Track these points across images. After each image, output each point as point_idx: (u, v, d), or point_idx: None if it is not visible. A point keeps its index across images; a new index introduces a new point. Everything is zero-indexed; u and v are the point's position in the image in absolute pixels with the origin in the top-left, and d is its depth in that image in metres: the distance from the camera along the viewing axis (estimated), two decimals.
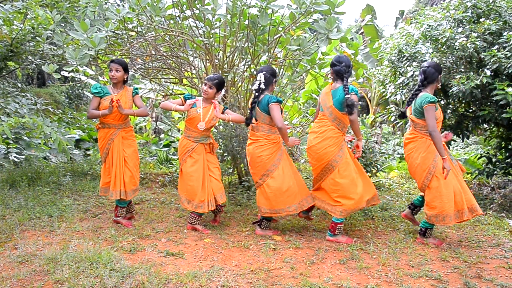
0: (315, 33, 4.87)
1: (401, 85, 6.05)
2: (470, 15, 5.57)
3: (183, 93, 6.65)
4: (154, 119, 12.35)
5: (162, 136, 11.76)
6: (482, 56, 5.24)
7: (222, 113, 4.31)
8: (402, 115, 4.41)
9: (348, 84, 4.04)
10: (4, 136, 4.83)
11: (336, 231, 4.18)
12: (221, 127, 5.80)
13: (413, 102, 4.16)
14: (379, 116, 7.74)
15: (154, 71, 6.17)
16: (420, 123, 4.09)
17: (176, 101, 4.40)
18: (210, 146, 4.46)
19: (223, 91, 4.48)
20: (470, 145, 12.19)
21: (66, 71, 5.26)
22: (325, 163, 4.13)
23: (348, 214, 4.20)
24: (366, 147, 5.19)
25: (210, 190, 4.36)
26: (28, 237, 4.00)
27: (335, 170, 4.10)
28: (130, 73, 6.92)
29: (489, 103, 5.44)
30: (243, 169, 5.88)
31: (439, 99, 6.02)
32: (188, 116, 4.35)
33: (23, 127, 5.12)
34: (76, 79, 8.34)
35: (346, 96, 3.96)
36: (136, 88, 4.56)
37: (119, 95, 4.39)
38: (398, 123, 6.71)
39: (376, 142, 10.05)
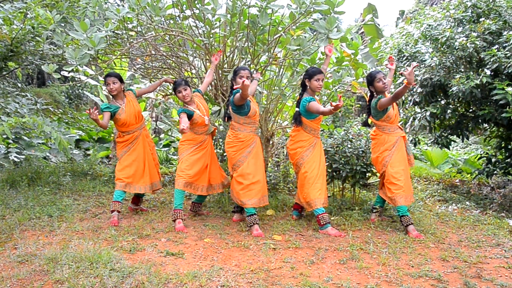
0: (315, 33, 4.87)
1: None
2: (470, 15, 5.57)
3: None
4: (154, 119, 12.34)
5: (162, 136, 11.76)
6: (482, 56, 5.25)
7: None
8: (365, 124, 5.03)
9: (304, 96, 4.51)
10: (4, 136, 4.83)
11: (321, 221, 4.47)
12: (221, 127, 5.80)
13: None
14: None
15: (154, 71, 6.17)
16: (378, 123, 4.64)
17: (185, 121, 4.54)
18: (212, 134, 4.88)
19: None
20: (470, 145, 12.19)
21: (66, 71, 5.26)
22: (295, 161, 4.66)
23: (323, 202, 4.53)
24: (366, 146, 5.21)
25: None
26: (28, 237, 4.00)
27: (302, 167, 4.59)
28: (130, 73, 6.92)
29: (489, 103, 5.44)
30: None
31: (439, 99, 6.02)
32: (199, 123, 4.62)
33: (23, 127, 5.13)
34: (76, 79, 8.34)
35: (296, 109, 4.62)
36: (133, 89, 4.94)
37: (127, 102, 4.72)
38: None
39: None
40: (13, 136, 7.15)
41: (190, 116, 4.53)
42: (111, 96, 4.80)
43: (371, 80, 4.58)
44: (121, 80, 4.72)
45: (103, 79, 4.70)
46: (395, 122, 4.64)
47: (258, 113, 4.57)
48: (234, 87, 4.31)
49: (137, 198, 5.05)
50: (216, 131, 5.71)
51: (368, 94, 4.80)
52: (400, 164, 4.56)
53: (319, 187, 4.55)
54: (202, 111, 4.63)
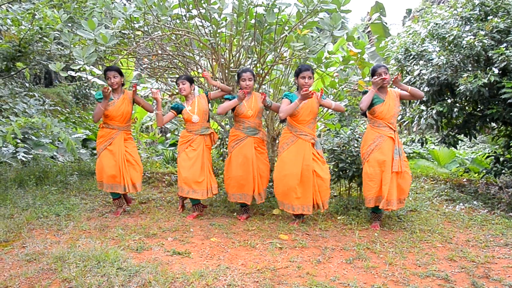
0: (321, 32, 4.86)
1: (407, 84, 6.02)
2: (478, 13, 5.52)
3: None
4: None
5: (168, 135, 11.79)
6: (489, 54, 5.20)
7: (210, 98, 4.93)
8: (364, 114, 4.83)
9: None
10: (12, 136, 4.89)
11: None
12: (228, 126, 5.80)
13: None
14: None
15: (161, 70, 6.19)
16: (368, 114, 4.64)
17: (168, 115, 4.90)
18: (210, 137, 4.94)
19: (194, 84, 4.96)
20: (478, 144, 12.12)
21: (73, 70, 5.32)
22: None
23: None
24: None
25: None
26: (36, 235, 4.03)
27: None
28: (136, 72, 6.94)
29: (497, 102, 5.39)
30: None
31: (446, 98, 5.99)
32: (185, 118, 4.85)
33: (31, 127, 5.19)
34: (83, 78, 8.39)
35: None
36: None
37: (121, 99, 4.78)
38: (404, 121, 6.68)
39: None
40: (21, 136, 7.22)
41: (180, 110, 4.86)
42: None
43: (372, 73, 4.61)
44: (121, 74, 4.82)
45: (103, 73, 4.78)
46: (383, 118, 4.53)
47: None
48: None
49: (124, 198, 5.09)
50: (219, 133, 5.73)
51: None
52: (379, 166, 4.48)
53: (283, 188, 4.57)
54: (193, 109, 4.77)
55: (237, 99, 4.57)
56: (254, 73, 4.85)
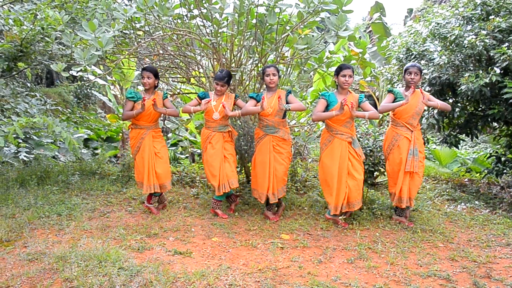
0: (323, 32, 4.86)
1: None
2: (480, 13, 5.52)
3: (190, 92, 6.68)
4: (161, 118, 12.38)
5: (169, 135, 11.79)
6: (491, 54, 5.20)
7: (234, 103, 4.88)
8: None
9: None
10: (14, 136, 4.91)
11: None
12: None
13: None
14: (387, 115, 7.68)
15: (162, 70, 6.18)
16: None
17: (193, 102, 4.87)
18: (229, 134, 4.93)
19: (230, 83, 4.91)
20: (479, 144, 12.09)
21: (75, 70, 5.32)
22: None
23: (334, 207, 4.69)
24: (374, 145, 5.18)
25: (224, 175, 4.80)
26: (38, 235, 4.04)
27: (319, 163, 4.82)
28: (138, 72, 6.95)
29: (498, 102, 5.38)
30: (250, 168, 5.87)
31: (448, 98, 5.98)
32: (206, 112, 4.83)
33: (32, 126, 5.21)
34: (84, 78, 8.40)
35: None
36: (166, 93, 5.05)
37: (151, 98, 4.77)
38: None
39: None
40: (23, 136, 7.23)
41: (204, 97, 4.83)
42: (143, 88, 4.92)
43: (404, 71, 4.68)
44: (156, 76, 4.82)
45: (140, 72, 4.83)
46: (401, 118, 4.65)
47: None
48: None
49: (150, 197, 5.07)
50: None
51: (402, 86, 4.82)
52: (396, 165, 4.67)
53: (329, 190, 4.59)
54: (218, 106, 4.75)
55: (260, 108, 4.50)
56: (255, 73, 4.84)
